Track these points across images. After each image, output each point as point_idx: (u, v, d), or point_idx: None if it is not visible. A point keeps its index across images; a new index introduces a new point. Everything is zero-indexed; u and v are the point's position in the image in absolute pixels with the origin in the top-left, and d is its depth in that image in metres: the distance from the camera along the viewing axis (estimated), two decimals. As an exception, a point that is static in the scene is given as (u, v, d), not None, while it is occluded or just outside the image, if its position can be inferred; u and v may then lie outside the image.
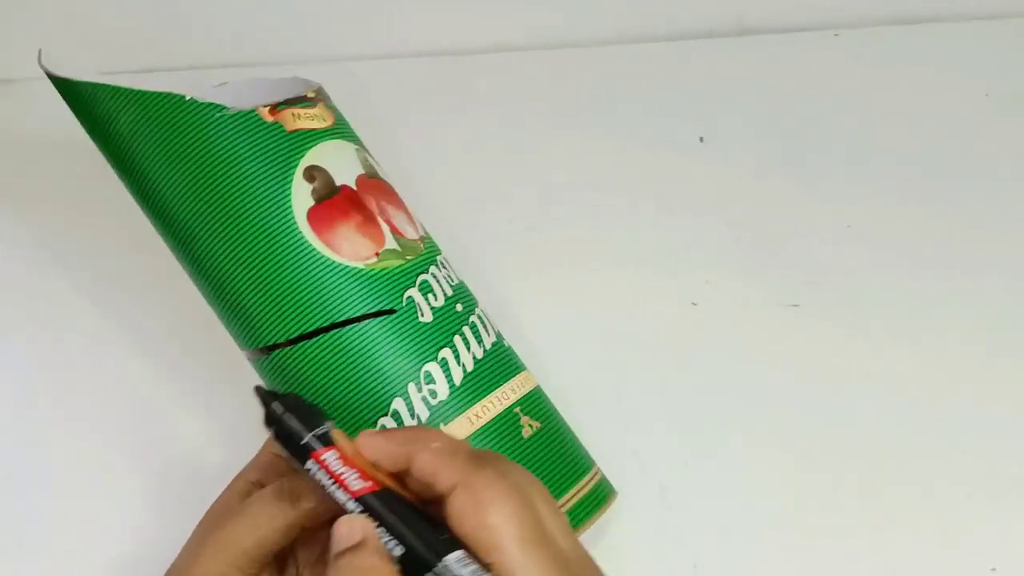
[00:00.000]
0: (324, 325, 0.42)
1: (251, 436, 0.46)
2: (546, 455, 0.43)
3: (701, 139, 0.63)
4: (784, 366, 0.54)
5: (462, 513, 0.33)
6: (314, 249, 0.42)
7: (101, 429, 0.53)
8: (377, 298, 0.43)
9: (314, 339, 0.42)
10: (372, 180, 0.45)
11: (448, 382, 0.42)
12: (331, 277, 0.42)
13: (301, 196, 0.43)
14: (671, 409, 0.52)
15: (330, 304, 0.42)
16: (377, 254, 0.43)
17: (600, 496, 0.45)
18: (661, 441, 0.51)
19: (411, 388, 0.42)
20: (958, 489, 0.49)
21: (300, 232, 0.42)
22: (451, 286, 0.45)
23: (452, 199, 0.61)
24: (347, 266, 0.43)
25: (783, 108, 0.65)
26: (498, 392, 0.44)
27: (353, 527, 0.34)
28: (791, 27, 0.69)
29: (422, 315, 0.43)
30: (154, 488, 0.51)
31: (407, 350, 0.42)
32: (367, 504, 0.34)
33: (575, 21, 0.69)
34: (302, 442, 0.36)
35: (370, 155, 0.47)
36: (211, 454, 0.52)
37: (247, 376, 0.44)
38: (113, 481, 0.52)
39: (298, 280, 0.42)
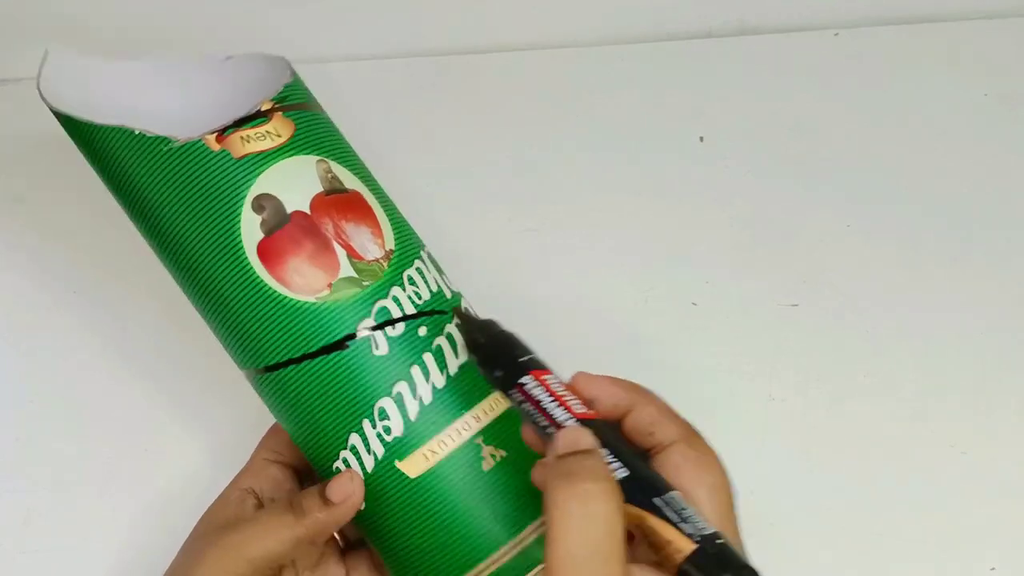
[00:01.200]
0: (282, 360, 0.42)
1: (240, 445, 0.46)
2: (508, 486, 0.41)
3: (701, 139, 0.63)
4: (784, 366, 0.54)
5: (681, 465, 0.35)
6: (266, 286, 0.41)
7: (93, 438, 0.53)
8: (329, 333, 0.41)
9: (276, 372, 0.42)
10: (331, 197, 0.43)
11: (403, 418, 0.41)
12: (283, 314, 0.41)
13: (250, 229, 0.42)
14: (671, 409, 0.52)
15: (284, 341, 0.42)
16: (330, 285, 0.41)
17: None
18: (661, 441, 0.51)
19: (366, 425, 0.41)
20: (958, 489, 0.49)
21: (252, 268, 0.41)
22: (417, 305, 0.42)
23: (452, 199, 0.61)
24: (298, 302, 0.41)
25: (783, 108, 0.65)
26: (459, 423, 0.42)
27: (580, 436, 0.35)
28: (791, 27, 0.69)
29: (376, 348, 0.41)
30: (147, 498, 0.51)
31: (359, 387, 0.41)
32: (594, 427, 0.35)
33: (575, 21, 0.69)
34: (522, 360, 0.38)
35: (337, 161, 0.44)
36: (202, 462, 0.52)
37: (238, 385, 0.44)
38: (105, 489, 0.52)
39: (253, 317, 0.42)
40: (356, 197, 0.44)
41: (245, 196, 0.42)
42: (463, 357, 0.42)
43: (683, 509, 0.34)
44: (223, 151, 0.42)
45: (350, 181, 0.44)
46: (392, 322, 0.42)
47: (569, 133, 0.64)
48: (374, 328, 0.41)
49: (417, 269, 0.43)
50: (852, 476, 0.50)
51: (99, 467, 0.52)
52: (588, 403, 0.37)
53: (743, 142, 0.63)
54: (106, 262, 0.57)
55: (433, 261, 0.45)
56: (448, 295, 0.44)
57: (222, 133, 0.42)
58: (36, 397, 0.55)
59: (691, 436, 0.36)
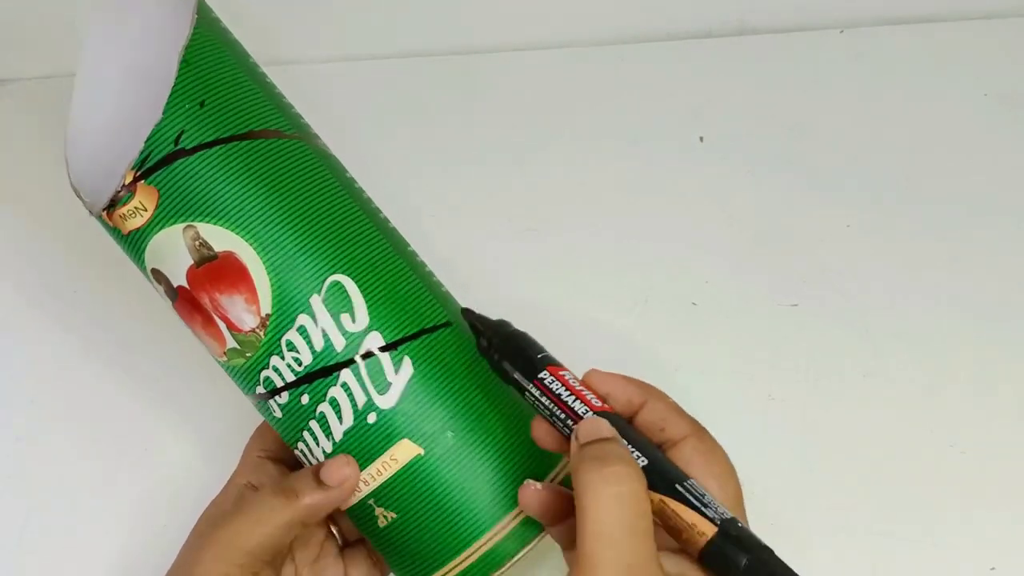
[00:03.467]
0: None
1: (241, 444, 0.46)
2: (400, 546, 0.42)
3: (701, 139, 0.63)
4: (783, 366, 0.54)
5: (692, 459, 0.37)
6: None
7: (92, 438, 0.53)
8: (247, 388, 0.43)
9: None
10: (202, 268, 0.40)
11: None
12: (219, 365, 0.43)
13: (162, 296, 0.43)
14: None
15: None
16: (225, 353, 0.42)
17: (484, 569, 0.41)
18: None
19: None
20: (958, 489, 0.49)
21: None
22: (296, 372, 0.41)
23: (452, 199, 0.61)
24: (218, 360, 0.43)
25: (783, 108, 0.65)
26: None
27: (601, 425, 0.36)
28: (791, 27, 0.69)
29: (274, 411, 0.42)
30: (147, 497, 0.51)
31: (282, 435, 0.43)
32: (610, 419, 0.37)
33: (575, 21, 0.69)
34: (539, 356, 0.39)
35: (205, 220, 0.40)
36: (202, 462, 0.52)
37: (229, 392, 0.45)
38: (105, 489, 0.52)
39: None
40: (226, 261, 0.40)
41: (146, 267, 0.42)
42: (348, 422, 0.40)
43: (703, 495, 0.35)
44: (116, 228, 0.42)
45: (221, 241, 0.40)
46: (277, 391, 0.41)
47: (569, 133, 0.64)
48: (266, 396, 0.42)
49: (299, 328, 0.40)
50: (852, 476, 0.50)
51: (99, 467, 0.52)
52: (602, 399, 0.38)
53: (743, 142, 0.63)
54: (106, 262, 0.57)
55: (334, 298, 0.41)
56: (340, 347, 0.40)
57: (109, 210, 0.41)
58: (36, 397, 0.55)
59: (700, 432, 0.38)
